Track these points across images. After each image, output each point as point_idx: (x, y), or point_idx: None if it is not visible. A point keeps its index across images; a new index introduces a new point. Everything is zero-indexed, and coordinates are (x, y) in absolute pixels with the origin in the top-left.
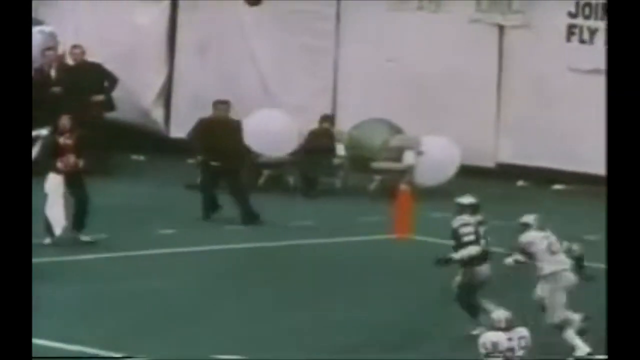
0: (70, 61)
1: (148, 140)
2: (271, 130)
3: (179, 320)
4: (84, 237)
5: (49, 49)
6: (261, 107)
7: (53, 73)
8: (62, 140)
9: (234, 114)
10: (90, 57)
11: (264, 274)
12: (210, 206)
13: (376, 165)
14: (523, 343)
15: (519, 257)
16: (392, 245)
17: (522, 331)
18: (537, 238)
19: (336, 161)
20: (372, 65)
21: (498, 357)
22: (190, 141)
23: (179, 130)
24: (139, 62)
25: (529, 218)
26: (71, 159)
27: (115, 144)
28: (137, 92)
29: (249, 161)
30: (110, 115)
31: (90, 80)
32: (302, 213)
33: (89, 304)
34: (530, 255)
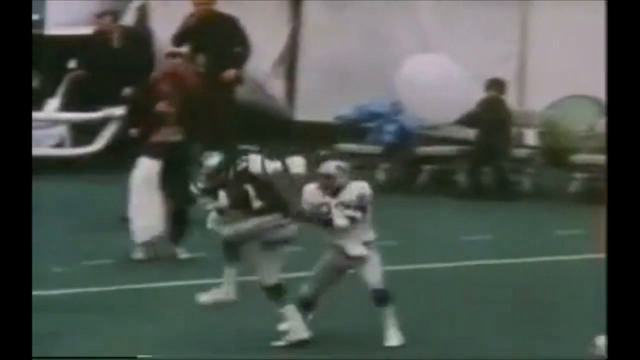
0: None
1: (264, 124)
2: (431, 82)
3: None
4: (183, 254)
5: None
6: None
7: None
8: (159, 106)
9: None
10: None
11: (420, 305)
12: None
13: (579, 158)
14: None
15: None
16: (599, 268)
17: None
18: None
19: (523, 153)
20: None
21: None
22: None
23: (307, 110)
24: (251, 17)
25: None
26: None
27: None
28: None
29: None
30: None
31: (221, 41)
32: (476, 223)
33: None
34: None
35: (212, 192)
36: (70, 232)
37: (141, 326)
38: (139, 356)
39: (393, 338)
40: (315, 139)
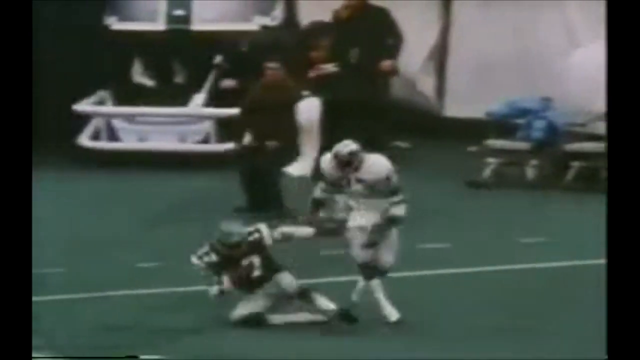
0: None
1: (413, 121)
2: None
3: None
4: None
5: None
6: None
7: None
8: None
9: None
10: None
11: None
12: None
13: None
14: None
15: None
16: None
17: None
18: None
19: None
20: None
21: None
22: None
23: (456, 106)
24: (401, 14)
25: None
26: None
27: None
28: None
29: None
30: None
31: (373, 33)
32: None
33: None
34: None
35: (217, 267)
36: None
37: None
38: (141, 357)
39: (392, 314)
40: (465, 135)
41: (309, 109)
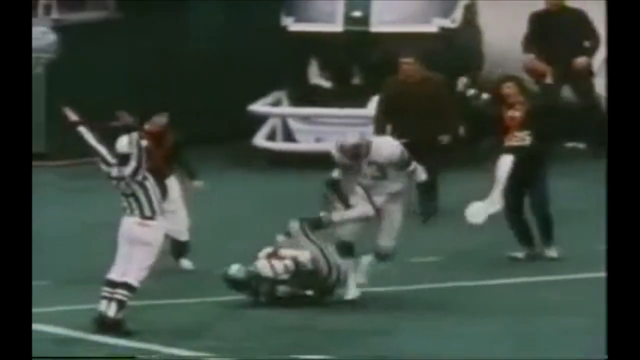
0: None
1: (589, 123)
2: None
3: None
4: (552, 252)
5: None
6: None
7: None
8: (510, 112)
9: None
10: None
11: None
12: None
13: None
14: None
15: None
16: None
17: None
18: None
19: None
20: None
21: None
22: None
23: None
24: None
25: None
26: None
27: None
28: None
29: None
30: None
31: (570, 34)
32: None
33: None
34: None
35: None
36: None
37: (470, 324)
38: (137, 356)
39: (350, 292)
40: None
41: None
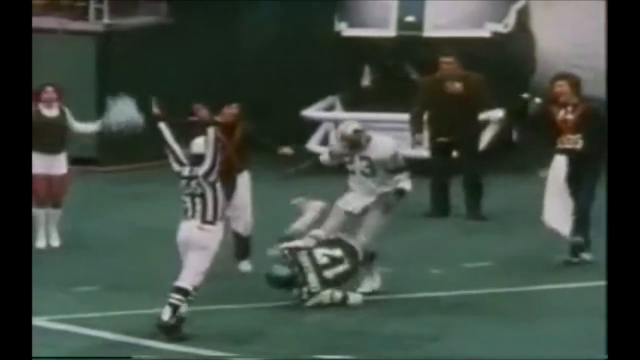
0: None
1: None
2: None
3: None
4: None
5: None
6: None
7: None
8: (562, 114)
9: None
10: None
11: None
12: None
13: None
14: None
15: None
16: None
17: None
18: None
19: None
20: None
21: None
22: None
23: None
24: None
25: None
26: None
27: None
28: None
29: None
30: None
31: None
32: None
33: None
34: None
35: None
36: (448, 234)
37: (517, 329)
38: (133, 356)
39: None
40: None
41: None
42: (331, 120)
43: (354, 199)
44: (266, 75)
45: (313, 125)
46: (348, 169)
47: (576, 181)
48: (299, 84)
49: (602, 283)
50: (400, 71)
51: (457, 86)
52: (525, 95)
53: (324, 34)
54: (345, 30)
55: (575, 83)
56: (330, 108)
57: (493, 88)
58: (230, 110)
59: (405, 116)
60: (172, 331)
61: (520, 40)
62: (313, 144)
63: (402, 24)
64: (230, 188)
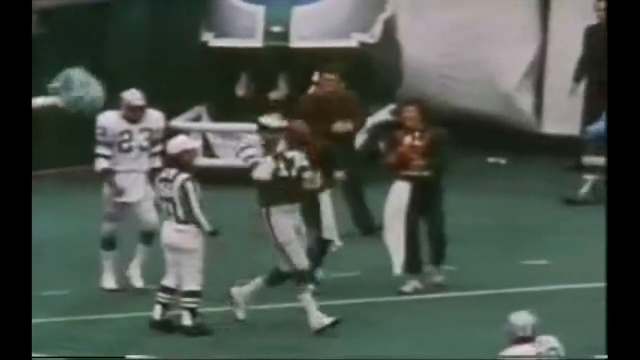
0: None
1: (511, 138)
2: None
3: None
4: (437, 278)
5: None
6: None
7: None
8: (409, 140)
9: None
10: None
11: None
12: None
13: None
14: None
15: None
16: None
17: (550, 340)
18: None
19: None
20: None
21: None
22: None
23: (554, 123)
24: (499, 33)
25: None
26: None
27: (467, 143)
28: (495, 74)
29: None
30: (459, 104)
31: None
32: None
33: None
34: None
35: None
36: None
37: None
38: (127, 357)
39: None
40: (563, 152)
41: None
42: (199, 130)
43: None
44: (135, 85)
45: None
46: None
47: (426, 207)
48: (166, 95)
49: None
50: (273, 83)
51: (337, 105)
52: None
53: (192, 44)
54: (213, 40)
55: (424, 109)
56: (198, 118)
57: (360, 98)
58: None
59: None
60: (164, 327)
61: (387, 51)
62: None
63: (269, 35)
64: None
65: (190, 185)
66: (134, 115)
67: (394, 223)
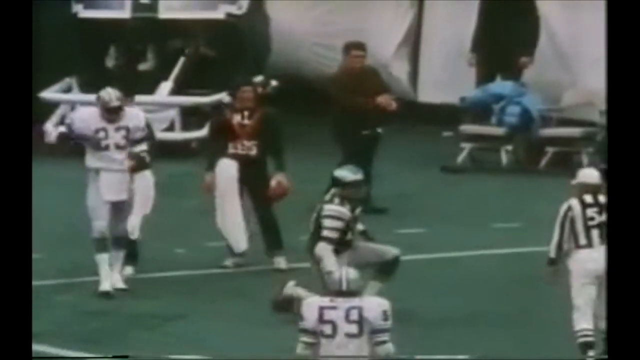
0: None
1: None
2: None
3: None
4: (280, 264)
5: None
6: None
7: None
8: (238, 118)
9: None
10: None
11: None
12: None
13: None
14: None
15: None
16: None
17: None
18: None
19: None
20: None
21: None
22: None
23: (430, 92)
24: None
25: None
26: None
27: None
28: (370, 42)
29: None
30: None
31: None
32: None
33: None
34: None
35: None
36: (189, 215)
37: None
38: (130, 356)
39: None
40: (439, 120)
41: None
42: (68, 102)
43: None
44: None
45: (50, 107)
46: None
47: (250, 187)
48: (36, 66)
49: None
50: (141, 54)
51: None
52: (260, 79)
53: (62, 16)
54: (82, 11)
55: (258, 91)
56: (68, 90)
57: (228, 70)
58: None
59: (142, 98)
60: None
61: (255, 21)
62: (50, 126)
63: (137, 6)
64: None
65: None
66: (108, 114)
67: (224, 207)
